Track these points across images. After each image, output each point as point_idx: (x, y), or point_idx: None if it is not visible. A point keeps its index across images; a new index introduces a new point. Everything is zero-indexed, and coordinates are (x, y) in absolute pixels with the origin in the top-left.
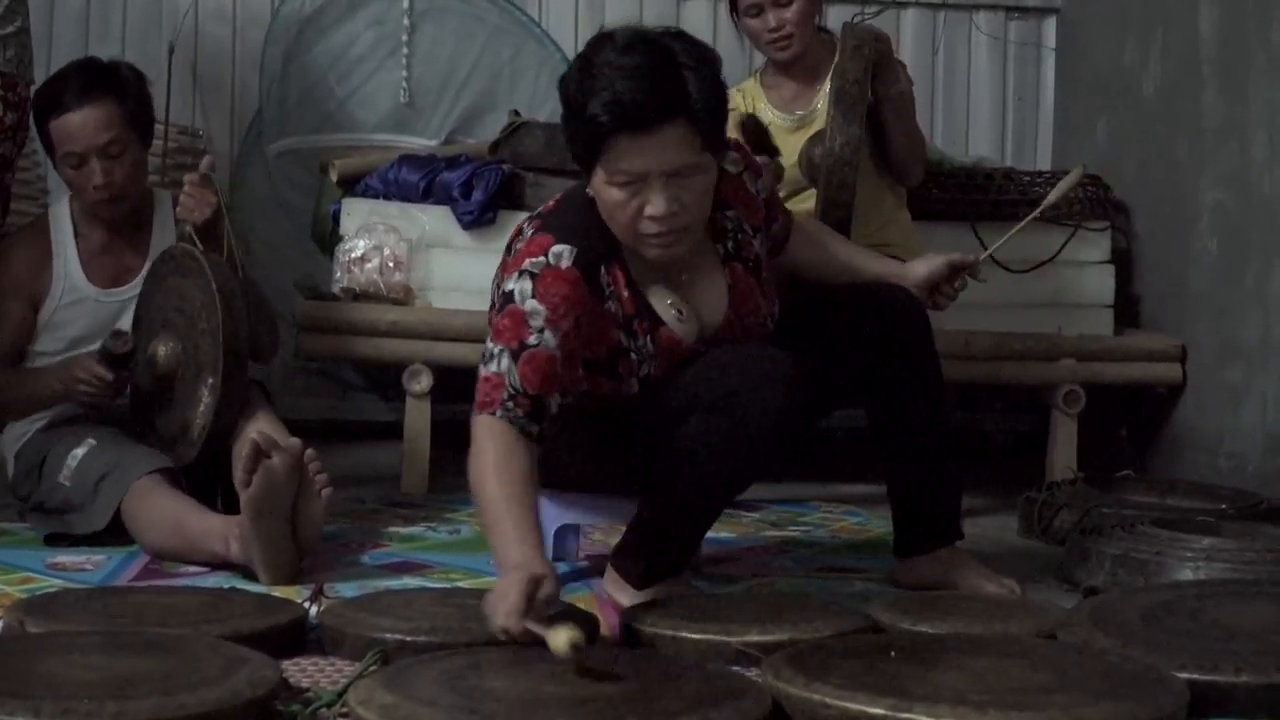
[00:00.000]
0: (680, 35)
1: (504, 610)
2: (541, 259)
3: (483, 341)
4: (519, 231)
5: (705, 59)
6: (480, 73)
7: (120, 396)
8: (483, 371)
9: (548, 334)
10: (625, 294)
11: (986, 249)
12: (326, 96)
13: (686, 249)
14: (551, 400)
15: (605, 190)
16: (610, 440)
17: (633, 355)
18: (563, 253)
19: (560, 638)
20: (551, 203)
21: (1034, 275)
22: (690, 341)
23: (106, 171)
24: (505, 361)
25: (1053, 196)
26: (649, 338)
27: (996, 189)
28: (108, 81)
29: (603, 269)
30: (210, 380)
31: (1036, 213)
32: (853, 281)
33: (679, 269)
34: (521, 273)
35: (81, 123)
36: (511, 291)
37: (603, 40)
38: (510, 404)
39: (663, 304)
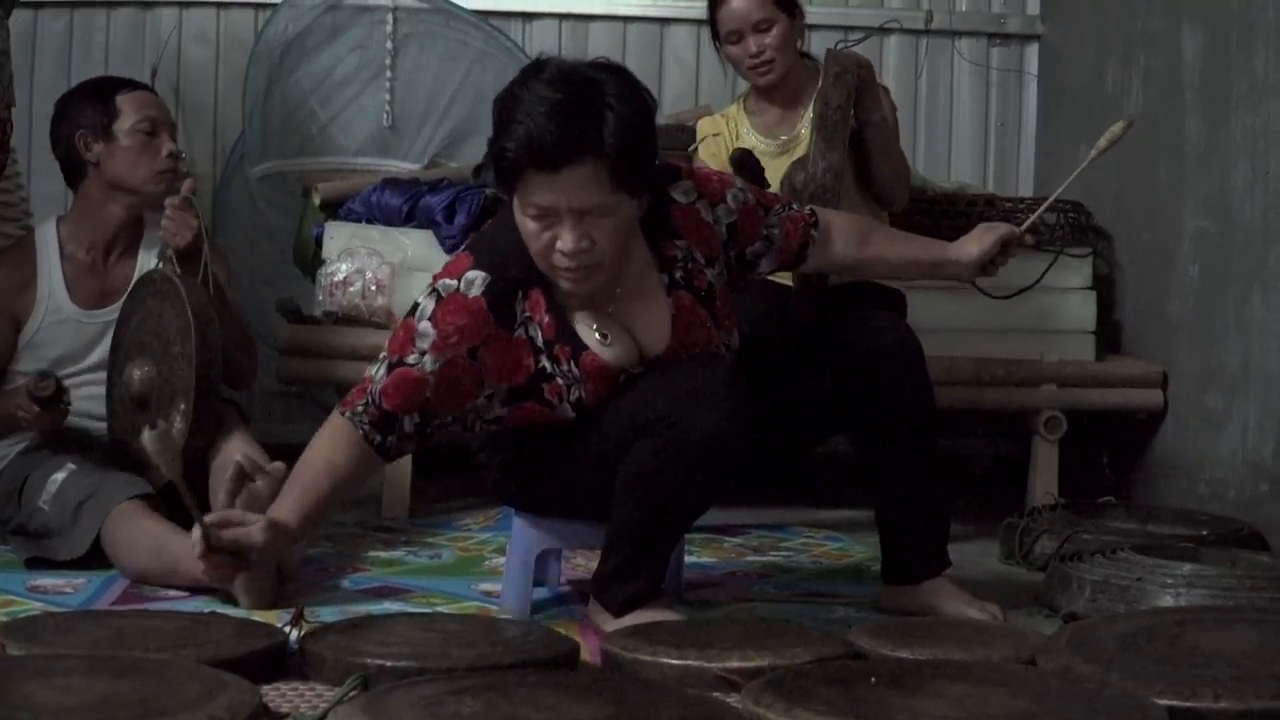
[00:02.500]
0: (616, 71)
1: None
2: (453, 283)
3: None
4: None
5: (631, 99)
6: (463, 97)
7: (87, 421)
8: (366, 370)
9: (428, 359)
10: (545, 319)
11: (1030, 216)
12: (309, 120)
13: (599, 284)
14: (405, 419)
15: (521, 219)
16: (575, 465)
17: (559, 380)
18: (475, 280)
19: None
20: (491, 221)
21: (1016, 301)
22: (620, 365)
23: (173, 145)
24: (381, 371)
25: (1103, 141)
26: (572, 362)
27: (979, 214)
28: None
29: (519, 294)
30: (183, 406)
31: (1086, 164)
32: (902, 269)
33: (609, 293)
34: (433, 290)
35: (158, 101)
36: (418, 305)
37: (535, 69)
38: (361, 410)
39: (586, 328)
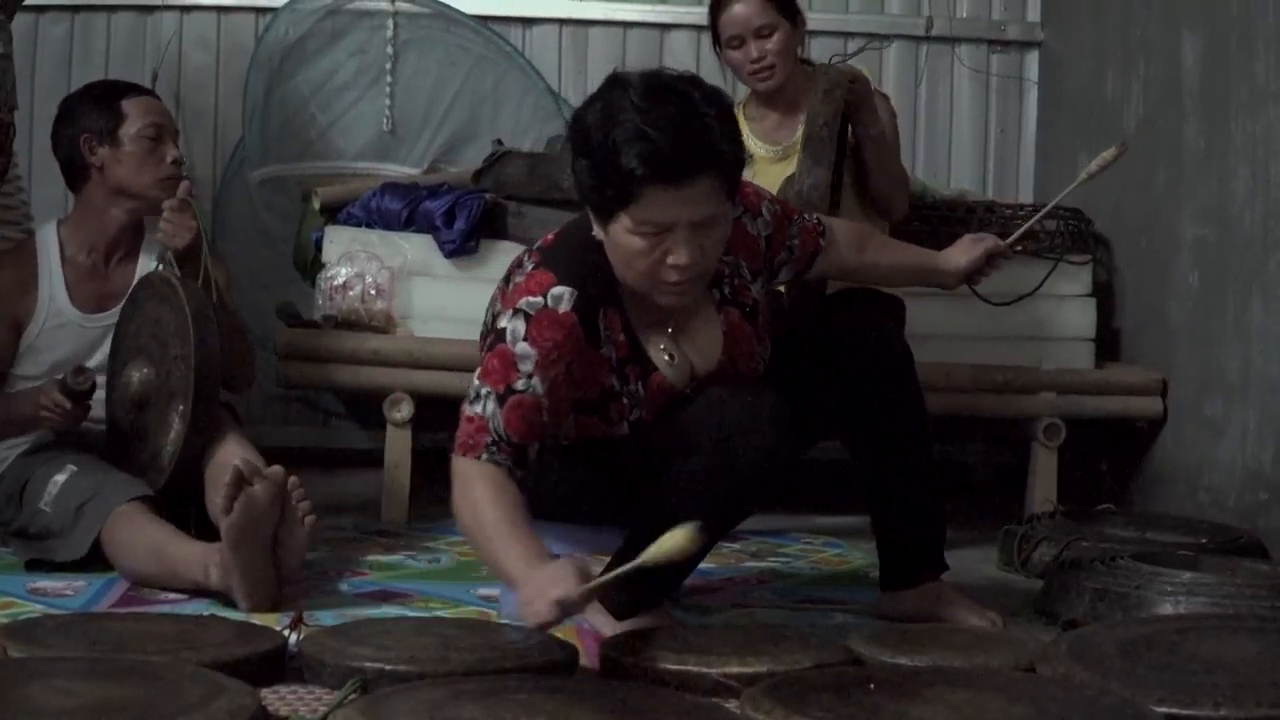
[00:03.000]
0: (695, 81)
1: (561, 587)
2: (539, 299)
3: (464, 371)
4: (519, 263)
5: (724, 108)
6: (463, 102)
7: (88, 423)
8: (466, 409)
9: (535, 380)
10: (620, 338)
11: (1018, 229)
12: (309, 124)
13: (695, 296)
14: (532, 447)
15: (626, 238)
16: (598, 475)
17: (625, 399)
18: (562, 295)
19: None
20: (552, 237)
21: (1015, 308)
22: (680, 387)
23: (177, 152)
24: (490, 405)
25: (1094, 165)
26: (641, 383)
27: (978, 221)
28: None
29: (601, 312)
30: (181, 407)
31: (1075, 184)
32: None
33: (673, 314)
34: (516, 311)
35: (164, 107)
36: (504, 330)
37: (619, 84)
38: (494, 448)
39: (656, 350)
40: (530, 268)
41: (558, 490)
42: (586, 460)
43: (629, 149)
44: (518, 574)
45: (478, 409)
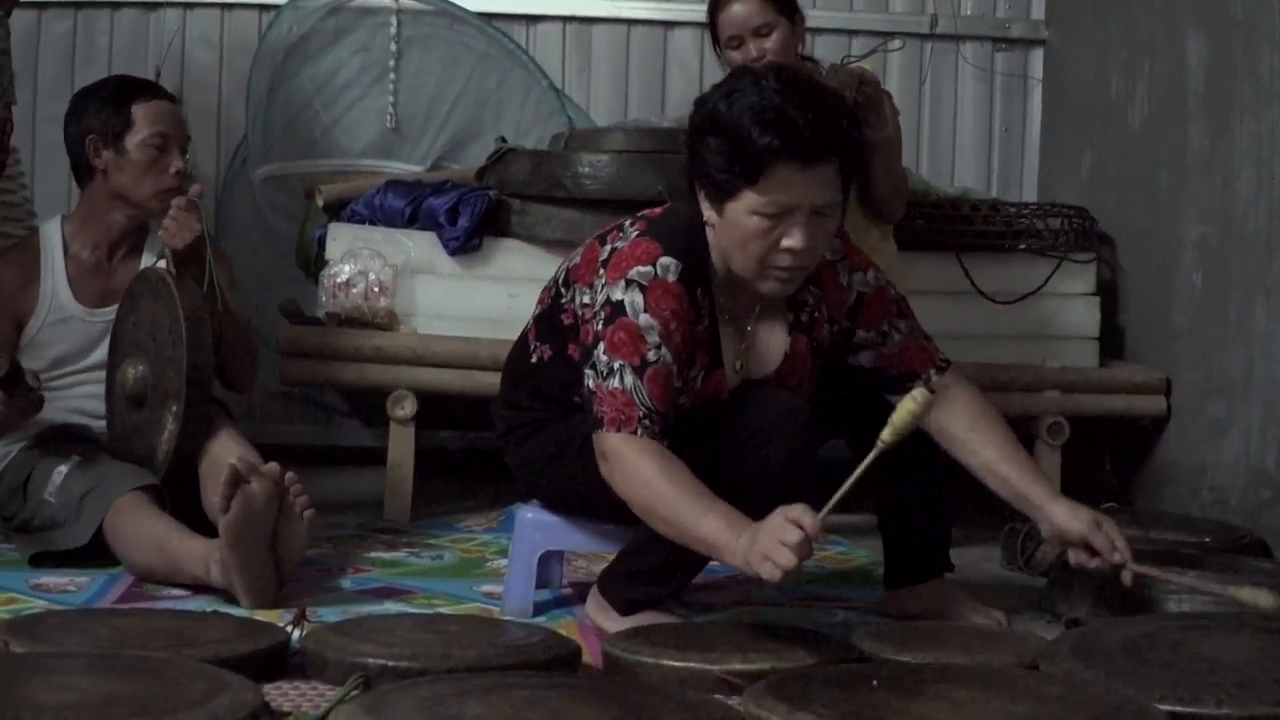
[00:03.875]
0: (811, 76)
1: (795, 523)
2: (649, 269)
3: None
4: (618, 228)
5: (845, 104)
6: (466, 99)
7: (88, 418)
8: (599, 384)
9: (664, 350)
10: (706, 322)
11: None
12: (312, 122)
13: (795, 287)
14: (671, 415)
15: (744, 219)
16: None
17: (679, 383)
18: (670, 266)
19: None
20: (659, 211)
21: (1019, 306)
22: (730, 389)
23: (181, 163)
24: (629, 378)
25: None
26: (702, 374)
27: (982, 220)
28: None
29: (699, 291)
30: (174, 408)
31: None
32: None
33: (749, 316)
34: (630, 283)
35: (174, 112)
36: (621, 302)
37: (751, 74)
38: (647, 422)
39: (730, 347)
40: (634, 235)
41: (566, 476)
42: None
43: (764, 125)
44: (725, 540)
45: (615, 383)
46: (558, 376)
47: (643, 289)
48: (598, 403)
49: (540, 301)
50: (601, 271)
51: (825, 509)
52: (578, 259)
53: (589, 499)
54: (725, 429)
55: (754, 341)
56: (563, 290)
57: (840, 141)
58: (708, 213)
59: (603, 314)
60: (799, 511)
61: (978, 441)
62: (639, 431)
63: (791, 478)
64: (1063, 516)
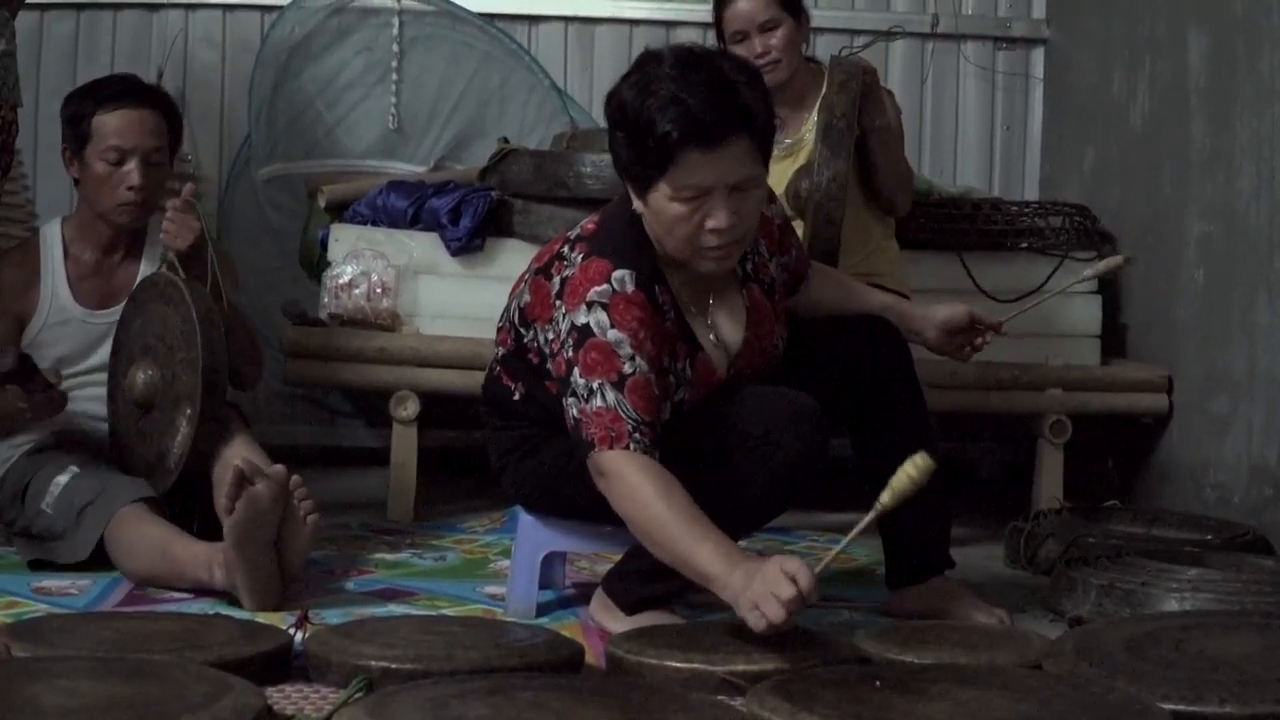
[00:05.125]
0: (723, 53)
1: (790, 578)
2: (606, 286)
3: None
4: (557, 255)
5: (754, 73)
6: (469, 99)
7: (90, 421)
8: (583, 408)
9: (639, 360)
10: (672, 314)
11: (998, 311)
12: (315, 122)
13: (734, 262)
14: (659, 424)
15: (667, 206)
16: None
17: (671, 377)
18: (624, 277)
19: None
20: (591, 225)
21: (1021, 305)
22: (721, 370)
23: (144, 175)
24: (610, 395)
25: (1089, 273)
26: (688, 362)
27: (984, 219)
28: (159, 96)
29: (656, 289)
30: (188, 410)
31: (1069, 286)
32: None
33: (706, 291)
34: (591, 304)
35: (137, 120)
36: (586, 325)
37: (652, 59)
38: (638, 435)
39: (701, 328)
40: (580, 259)
41: (573, 487)
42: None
43: (664, 115)
44: (718, 573)
45: (597, 402)
46: (542, 401)
47: (605, 307)
48: (584, 427)
49: (501, 342)
50: (559, 303)
51: (822, 565)
52: (528, 296)
53: (593, 510)
54: (733, 431)
55: (719, 313)
56: (522, 331)
57: (743, 118)
58: (636, 204)
59: (570, 340)
60: (796, 566)
61: (846, 296)
62: (631, 446)
63: (803, 478)
64: (943, 310)
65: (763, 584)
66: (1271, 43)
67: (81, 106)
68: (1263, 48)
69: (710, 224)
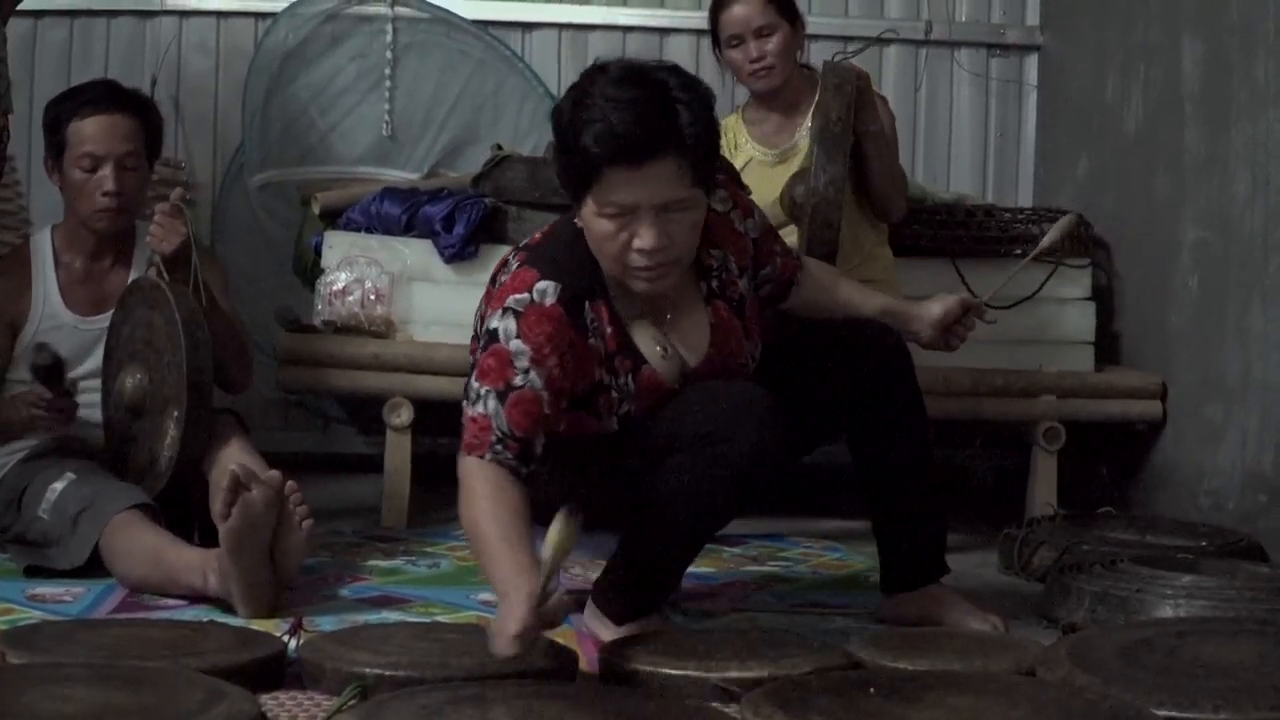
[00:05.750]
0: (675, 70)
1: (514, 623)
2: (525, 296)
3: (464, 376)
4: (504, 263)
5: (699, 94)
6: (463, 106)
7: (87, 424)
8: (468, 410)
9: (533, 374)
10: (609, 330)
11: (980, 292)
12: (309, 129)
13: (672, 283)
14: (537, 441)
15: (595, 221)
16: (592, 476)
17: (613, 393)
18: (547, 289)
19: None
20: (538, 235)
21: (1015, 311)
22: (671, 381)
23: (119, 180)
24: (492, 403)
25: (1047, 241)
26: (630, 376)
27: (978, 225)
28: (135, 100)
29: (587, 305)
30: (175, 414)
31: (1032, 255)
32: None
33: (663, 306)
34: (505, 310)
35: (110, 127)
36: (495, 330)
37: (597, 72)
38: (499, 447)
39: (647, 342)
40: (515, 266)
41: (554, 493)
42: (580, 462)
43: (589, 130)
44: (500, 591)
45: (479, 409)
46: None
47: (517, 315)
48: (464, 430)
49: (471, 351)
50: (484, 306)
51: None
52: (481, 305)
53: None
54: (683, 429)
55: (676, 327)
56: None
57: (670, 138)
58: (577, 218)
59: (481, 343)
60: (522, 608)
61: (844, 297)
62: (488, 456)
63: (757, 476)
64: (937, 308)
65: (501, 616)
66: (1266, 48)
67: (58, 115)
68: (1258, 53)
69: (637, 243)
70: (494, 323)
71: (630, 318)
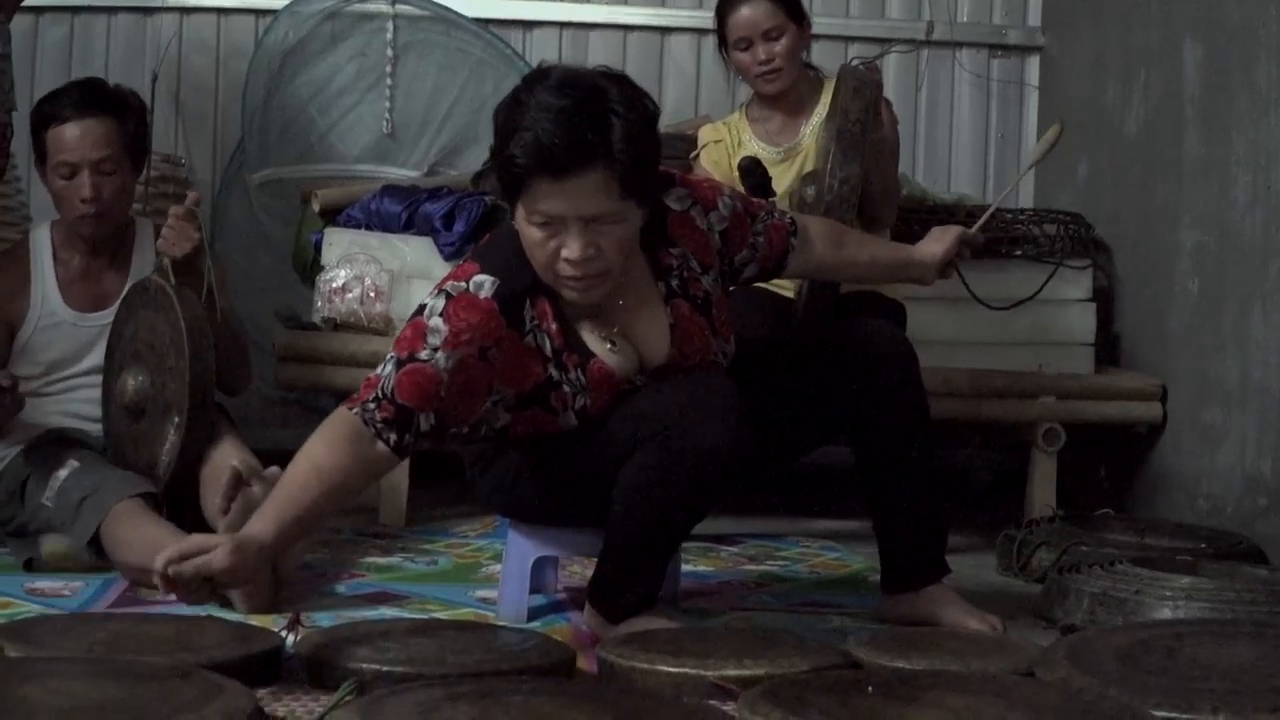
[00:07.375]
0: (619, 79)
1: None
2: (462, 284)
3: None
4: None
5: (637, 106)
6: (463, 105)
7: (87, 424)
8: (370, 374)
9: (440, 355)
10: (553, 326)
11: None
12: (309, 127)
13: (603, 293)
14: (420, 416)
15: (525, 228)
16: (574, 474)
17: (565, 388)
18: (484, 283)
19: None
20: (490, 235)
21: (1015, 313)
22: (624, 374)
23: (96, 186)
24: (390, 368)
25: (1036, 153)
26: (580, 370)
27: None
28: (111, 101)
29: (527, 302)
30: (176, 419)
31: (1024, 172)
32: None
33: (612, 304)
34: (440, 292)
35: (83, 133)
36: (424, 306)
37: (538, 77)
38: (372, 405)
39: (593, 336)
40: (464, 260)
41: (543, 493)
42: (562, 461)
43: (516, 138)
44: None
45: (377, 371)
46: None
47: (448, 297)
48: None
49: None
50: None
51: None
52: None
53: (555, 516)
54: (642, 424)
55: (633, 325)
56: None
57: (598, 152)
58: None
59: (409, 318)
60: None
61: (850, 254)
62: (356, 410)
63: (711, 471)
64: (930, 245)
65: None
66: (1267, 52)
67: (37, 121)
68: (1258, 57)
69: (564, 253)
70: (427, 300)
71: (577, 314)
